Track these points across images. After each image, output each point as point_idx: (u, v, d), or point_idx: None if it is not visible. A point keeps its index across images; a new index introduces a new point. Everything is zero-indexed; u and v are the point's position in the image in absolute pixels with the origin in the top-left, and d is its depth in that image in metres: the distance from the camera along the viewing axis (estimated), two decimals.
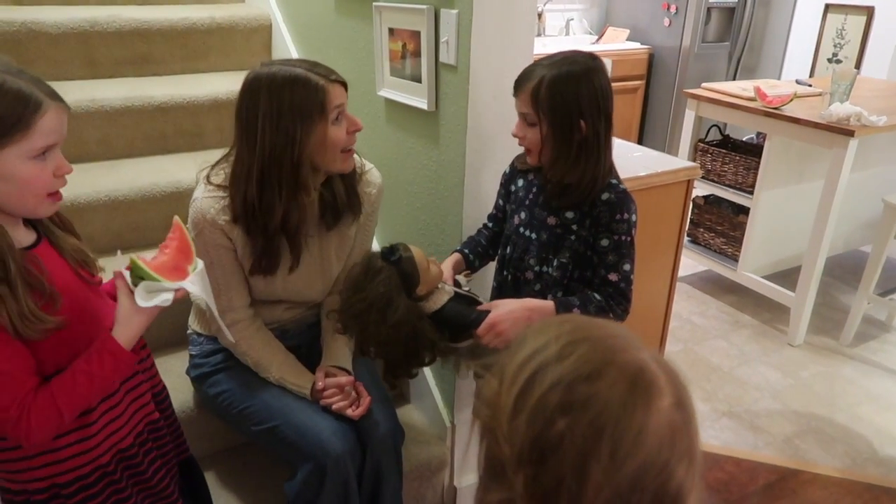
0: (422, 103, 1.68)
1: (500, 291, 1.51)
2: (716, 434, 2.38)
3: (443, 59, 1.59)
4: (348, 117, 1.40)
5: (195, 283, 1.12)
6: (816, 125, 2.59)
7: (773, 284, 3.03)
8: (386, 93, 1.85)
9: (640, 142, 4.73)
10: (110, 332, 1.05)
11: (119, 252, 1.16)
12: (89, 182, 1.97)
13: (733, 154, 3.08)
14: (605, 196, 1.33)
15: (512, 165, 1.51)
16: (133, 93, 2.16)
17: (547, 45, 4.23)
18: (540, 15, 4.65)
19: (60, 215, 1.12)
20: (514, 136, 1.35)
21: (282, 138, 1.33)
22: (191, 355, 1.65)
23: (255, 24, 2.50)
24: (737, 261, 3.15)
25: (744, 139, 3.33)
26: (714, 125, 3.27)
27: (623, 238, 1.33)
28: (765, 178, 2.91)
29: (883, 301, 2.92)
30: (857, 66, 4.32)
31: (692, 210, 3.42)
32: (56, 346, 1.01)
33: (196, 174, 1.48)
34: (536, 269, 1.41)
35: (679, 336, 2.99)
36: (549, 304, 1.33)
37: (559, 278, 1.38)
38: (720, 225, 3.27)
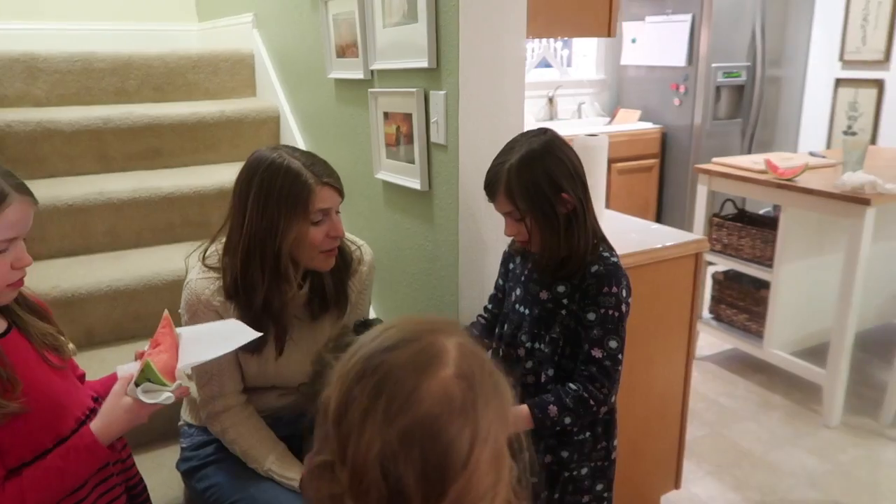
0: (415, 184, 1.67)
1: None
2: None
3: (434, 139, 1.59)
4: (332, 222, 1.39)
5: (191, 346, 1.14)
6: (830, 195, 2.53)
7: (803, 361, 2.88)
8: (383, 175, 1.86)
9: (658, 219, 4.69)
10: (89, 427, 1.02)
11: (135, 356, 1.16)
12: (92, 273, 1.98)
13: (749, 227, 3.01)
14: (594, 268, 1.28)
15: (510, 245, 1.48)
16: (141, 184, 2.20)
17: (560, 129, 4.30)
18: (551, 100, 4.75)
19: (30, 301, 1.11)
20: (508, 235, 1.34)
21: (265, 224, 1.34)
22: (181, 448, 1.60)
23: (264, 115, 2.57)
24: (762, 337, 3.03)
25: (760, 212, 3.27)
26: (728, 199, 3.23)
27: (610, 312, 1.27)
28: (783, 251, 2.83)
29: None
30: (873, 137, 4.29)
31: (713, 286, 3.34)
32: (17, 433, 0.98)
33: (185, 259, 1.47)
34: (528, 345, 1.35)
35: (705, 419, 2.84)
36: (522, 409, 1.27)
37: (550, 354, 1.32)
38: (742, 301, 3.17)
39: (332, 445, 0.62)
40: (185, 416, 1.62)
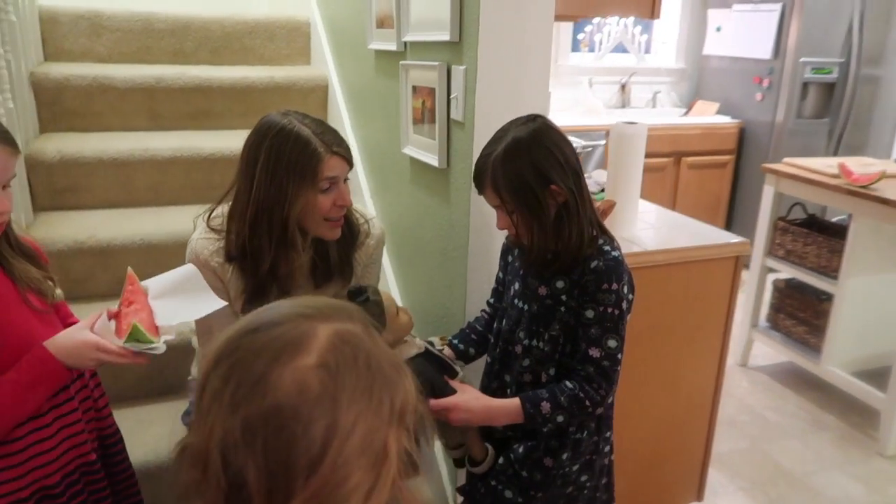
0: (434, 160, 1.63)
1: (490, 367, 1.40)
2: None
3: (453, 115, 1.54)
4: (340, 191, 1.37)
5: (159, 302, 1.15)
6: None
7: (862, 383, 2.67)
8: (409, 150, 1.82)
9: (728, 219, 4.46)
10: (44, 342, 1.05)
11: (107, 316, 1.17)
12: (129, 226, 2.05)
13: (816, 235, 2.80)
14: (593, 263, 1.20)
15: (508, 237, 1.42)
16: (184, 143, 2.25)
17: (630, 117, 4.12)
18: (624, 86, 4.57)
19: (24, 245, 1.14)
20: (500, 229, 1.27)
21: (274, 190, 1.33)
22: (189, 402, 1.64)
23: (313, 84, 2.58)
24: (820, 353, 2.82)
25: (834, 220, 3.04)
26: (798, 203, 3.01)
27: (609, 310, 1.19)
28: (850, 263, 2.61)
29: None
30: None
31: (773, 294, 3.14)
32: None
33: (193, 219, 1.49)
34: (526, 342, 1.29)
35: (747, 432, 2.68)
36: (513, 402, 1.22)
37: (550, 353, 1.25)
38: (802, 312, 2.96)
39: (193, 427, 0.59)
40: (195, 370, 1.65)
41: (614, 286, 1.19)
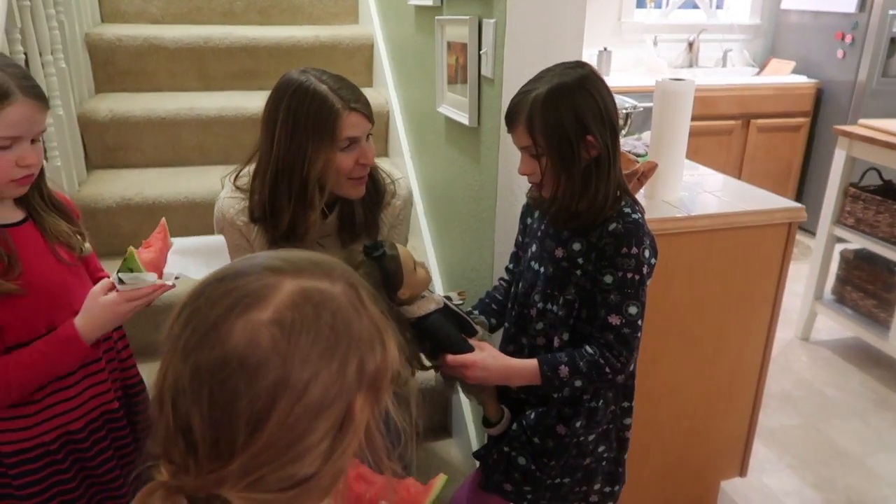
0: (465, 119, 1.59)
1: (506, 331, 1.37)
2: None
3: (484, 72, 1.49)
4: (362, 148, 1.35)
5: (179, 256, 1.16)
6: None
7: None
8: (444, 109, 1.79)
9: (799, 187, 4.22)
10: (72, 320, 1.08)
11: (163, 219, 1.22)
12: (175, 184, 2.10)
13: (890, 203, 2.61)
14: (612, 226, 1.14)
15: (529, 197, 1.36)
16: (229, 103, 2.28)
17: (698, 77, 3.91)
18: (692, 45, 4.34)
19: (56, 200, 1.18)
20: (522, 174, 1.21)
21: (293, 150, 1.32)
22: None
23: (358, 43, 2.55)
24: (889, 328, 2.65)
25: None
26: (872, 168, 2.81)
27: (629, 276, 1.13)
28: None
29: None
30: None
31: (840, 265, 2.96)
32: (15, 313, 1.06)
33: (221, 178, 1.50)
34: (540, 305, 1.25)
35: (802, 408, 2.56)
36: (531, 363, 1.18)
37: (564, 318, 1.21)
38: (871, 284, 2.78)
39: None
40: None
41: (634, 250, 1.13)
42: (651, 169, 1.65)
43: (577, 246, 1.19)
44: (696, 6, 4.41)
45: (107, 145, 2.17)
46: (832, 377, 2.78)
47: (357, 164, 1.35)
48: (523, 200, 1.47)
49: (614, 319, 1.14)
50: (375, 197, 1.47)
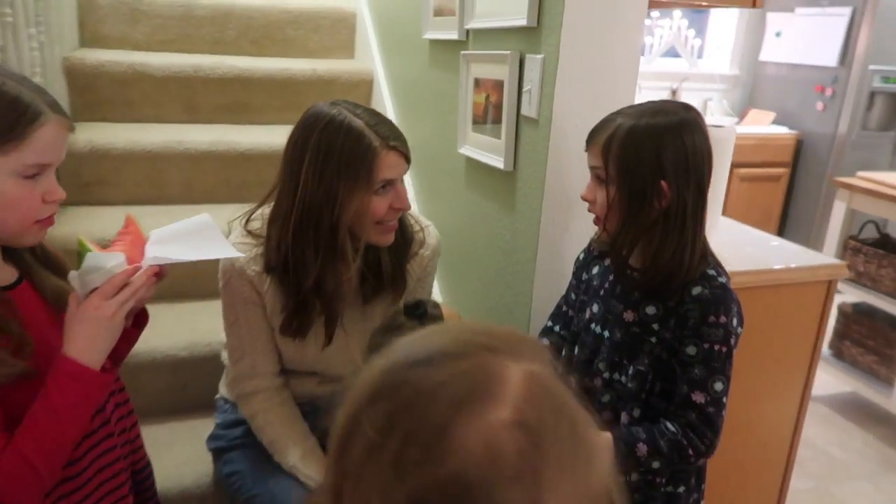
0: (499, 162, 1.46)
1: None
2: None
3: (524, 111, 1.37)
4: (397, 191, 1.20)
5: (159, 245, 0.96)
6: None
7: None
8: (467, 150, 1.66)
9: (780, 234, 4.23)
10: (62, 353, 0.87)
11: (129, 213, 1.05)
12: (157, 225, 1.90)
13: (894, 257, 2.58)
14: (695, 290, 1.02)
15: (588, 249, 1.24)
16: (221, 138, 2.11)
17: None
18: (675, 92, 4.37)
19: (46, 250, 0.99)
20: (584, 198, 1.08)
21: (323, 191, 1.16)
22: (216, 423, 1.48)
23: (357, 78, 2.43)
24: (892, 385, 2.60)
25: None
26: (870, 221, 2.79)
27: (716, 348, 1.01)
28: None
29: None
30: None
31: (837, 319, 2.92)
32: (27, 397, 0.86)
33: (227, 222, 1.33)
34: (606, 375, 1.11)
35: (810, 470, 2.46)
36: (604, 438, 1.03)
37: (635, 391, 1.07)
38: (872, 340, 2.74)
39: (329, 483, 0.45)
40: (223, 389, 1.50)
41: (722, 319, 1.01)
42: None
43: (651, 310, 1.06)
44: (677, 55, 4.45)
45: (82, 180, 1.97)
46: (835, 436, 2.70)
47: (391, 209, 1.20)
48: (569, 253, 1.35)
49: (698, 397, 1.01)
50: (403, 246, 1.32)
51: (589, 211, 1.10)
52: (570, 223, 1.34)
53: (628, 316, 1.08)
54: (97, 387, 0.89)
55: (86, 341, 0.87)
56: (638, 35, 1.26)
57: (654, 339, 1.06)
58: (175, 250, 0.98)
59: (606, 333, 1.11)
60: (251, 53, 2.50)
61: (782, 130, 4.10)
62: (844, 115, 3.83)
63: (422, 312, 1.05)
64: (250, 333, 1.31)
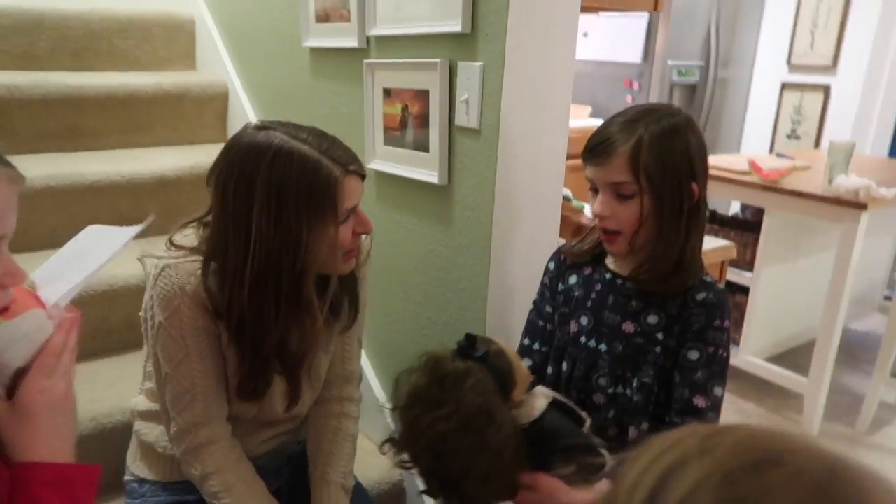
0: (430, 176, 1.38)
1: None
2: None
3: (460, 122, 1.30)
4: (359, 216, 1.07)
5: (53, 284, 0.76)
6: (823, 198, 2.43)
7: (783, 370, 2.79)
8: (378, 165, 1.55)
9: None
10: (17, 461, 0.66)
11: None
12: None
13: (727, 230, 2.90)
14: (700, 296, 1.03)
15: (559, 259, 1.20)
16: (59, 170, 1.78)
17: None
18: None
19: None
20: (597, 214, 1.04)
21: (282, 238, 0.98)
22: None
23: (210, 91, 2.18)
24: (738, 345, 2.92)
25: (729, 214, 3.18)
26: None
27: (720, 352, 1.03)
28: (765, 255, 2.72)
29: None
30: (817, 141, 4.33)
31: None
32: None
33: (139, 259, 1.10)
34: (610, 391, 1.08)
35: None
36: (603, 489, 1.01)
37: (643, 404, 1.06)
38: None
39: None
40: (135, 467, 1.24)
41: (726, 323, 1.03)
42: None
43: (653, 319, 1.05)
44: None
45: None
46: None
47: (354, 236, 1.07)
48: (517, 267, 1.30)
49: (699, 401, 1.02)
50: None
51: (603, 226, 1.05)
52: (520, 234, 1.30)
53: (628, 327, 1.07)
54: (86, 486, 0.69)
55: (49, 439, 0.67)
56: (573, 38, 1.25)
57: (658, 349, 1.05)
58: (74, 276, 0.78)
59: (603, 347, 1.09)
60: (72, 68, 2.14)
61: (598, 122, 4.43)
62: None
63: (483, 353, 0.95)
64: (204, 370, 1.08)
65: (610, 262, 1.12)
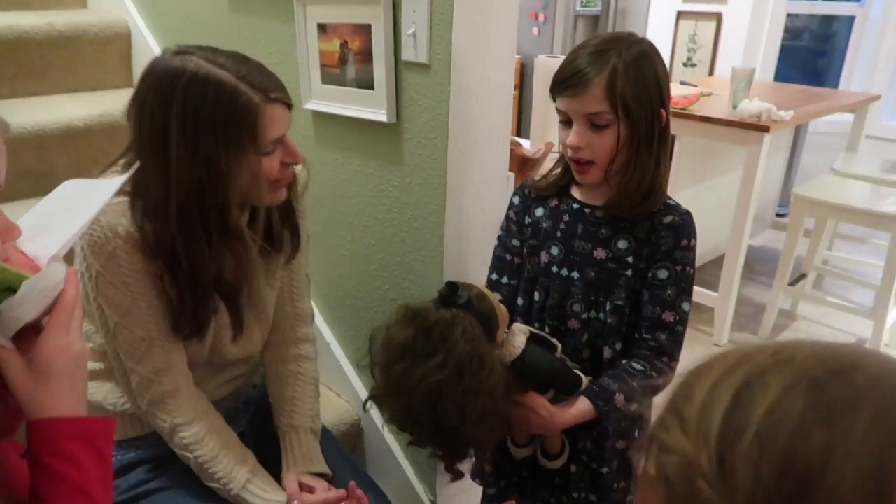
0: (378, 115, 1.34)
1: None
2: None
3: (407, 56, 1.27)
4: (287, 146, 1.03)
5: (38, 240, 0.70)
6: (729, 122, 2.57)
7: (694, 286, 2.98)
8: (315, 105, 1.49)
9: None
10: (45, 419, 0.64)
11: None
12: None
13: None
14: (667, 219, 1.08)
15: (522, 193, 1.21)
16: None
17: None
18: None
19: None
20: (571, 146, 1.05)
21: (201, 168, 0.96)
22: None
23: (109, 32, 2.00)
24: None
25: None
26: None
27: (687, 269, 1.09)
28: (677, 181, 2.86)
29: (794, 291, 2.98)
30: (711, 68, 4.53)
31: None
32: None
33: None
34: (584, 316, 1.13)
35: None
36: (584, 406, 1.08)
37: (616, 325, 1.11)
38: None
39: None
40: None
41: (692, 242, 1.09)
42: (549, 149, 1.62)
43: (623, 244, 1.09)
44: None
45: None
46: None
47: (282, 166, 1.04)
48: (473, 201, 1.31)
49: (668, 316, 1.08)
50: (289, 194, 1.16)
51: (575, 157, 1.06)
52: (476, 170, 1.30)
53: (600, 254, 1.10)
54: (107, 438, 0.70)
55: (69, 395, 0.66)
56: None
57: (629, 273, 1.10)
58: (62, 232, 0.71)
59: (576, 274, 1.12)
60: None
61: None
62: (557, 37, 4.27)
63: (466, 298, 0.96)
64: (155, 315, 1.05)
65: (576, 191, 1.14)
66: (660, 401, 0.47)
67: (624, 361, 1.10)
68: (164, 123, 0.94)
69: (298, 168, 1.20)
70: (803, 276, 3.13)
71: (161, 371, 1.06)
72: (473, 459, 1.10)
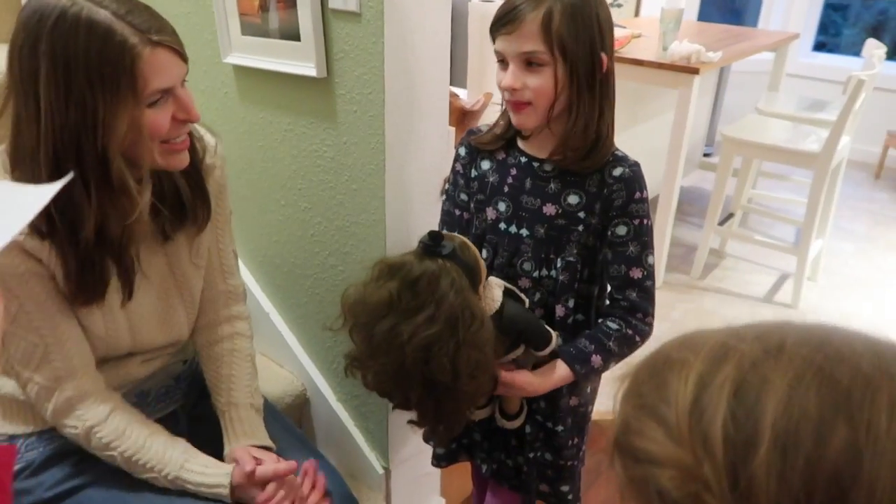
0: (306, 68, 1.24)
1: None
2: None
3: (334, 4, 1.17)
4: (179, 99, 0.94)
5: None
6: (661, 65, 2.56)
7: None
8: (237, 58, 1.37)
9: None
10: None
11: None
12: None
13: None
14: (617, 171, 1.04)
15: (467, 146, 1.15)
16: None
17: None
18: None
19: None
20: (507, 88, 0.99)
21: (75, 113, 0.87)
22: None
23: None
24: None
25: None
26: None
27: (645, 222, 1.06)
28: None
29: (722, 230, 3.06)
30: (637, 9, 4.52)
31: None
32: None
33: None
34: (535, 274, 1.09)
35: None
36: (561, 370, 1.06)
37: (568, 282, 1.08)
38: None
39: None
40: (1, 427, 1.09)
41: (646, 194, 1.06)
42: (488, 100, 1.56)
43: (573, 199, 1.06)
44: None
45: None
46: None
47: (175, 122, 0.95)
48: (414, 159, 1.25)
49: (636, 273, 1.06)
50: (196, 161, 1.07)
51: (512, 99, 1.00)
52: (416, 126, 1.23)
53: (549, 210, 1.06)
54: (7, 466, 0.62)
55: None
56: None
57: (581, 228, 1.06)
58: None
59: (525, 232, 1.08)
60: None
61: None
62: None
63: (450, 251, 0.91)
64: (47, 318, 0.97)
65: (523, 145, 1.09)
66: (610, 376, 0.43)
67: (599, 321, 1.09)
68: (33, 63, 0.86)
69: (208, 136, 1.11)
70: (731, 215, 3.22)
71: (62, 378, 0.99)
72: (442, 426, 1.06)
